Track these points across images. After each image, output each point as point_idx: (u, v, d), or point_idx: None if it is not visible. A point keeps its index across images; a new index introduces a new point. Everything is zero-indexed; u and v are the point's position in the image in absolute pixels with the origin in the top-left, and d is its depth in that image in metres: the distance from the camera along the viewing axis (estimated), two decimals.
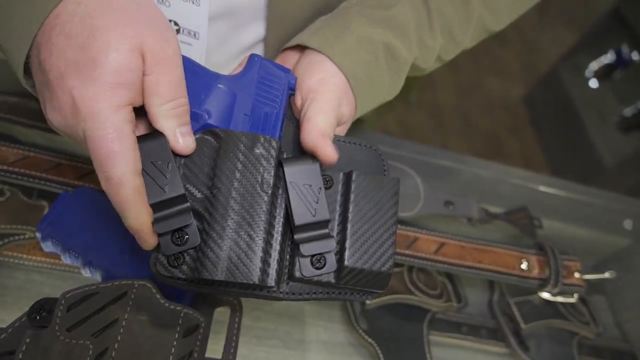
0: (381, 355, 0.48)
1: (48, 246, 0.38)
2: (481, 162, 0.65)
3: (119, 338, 0.32)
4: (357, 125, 0.65)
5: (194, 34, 0.39)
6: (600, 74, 1.99)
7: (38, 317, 0.33)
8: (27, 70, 0.32)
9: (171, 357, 0.33)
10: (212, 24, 0.41)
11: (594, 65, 2.00)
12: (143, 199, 0.30)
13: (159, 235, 0.30)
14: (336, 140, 0.36)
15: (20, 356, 0.32)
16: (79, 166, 0.45)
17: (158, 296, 0.35)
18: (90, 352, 0.31)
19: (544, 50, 2.64)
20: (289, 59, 0.41)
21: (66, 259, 0.38)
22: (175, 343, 0.34)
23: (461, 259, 0.49)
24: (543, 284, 0.51)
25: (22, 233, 0.45)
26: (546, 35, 2.67)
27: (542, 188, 0.65)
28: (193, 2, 0.37)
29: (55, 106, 0.29)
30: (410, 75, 0.47)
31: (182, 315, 0.35)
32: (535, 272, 0.51)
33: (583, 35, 2.02)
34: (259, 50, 0.47)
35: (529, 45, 2.74)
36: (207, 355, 0.38)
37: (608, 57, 1.94)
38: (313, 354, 0.49)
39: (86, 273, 0.38)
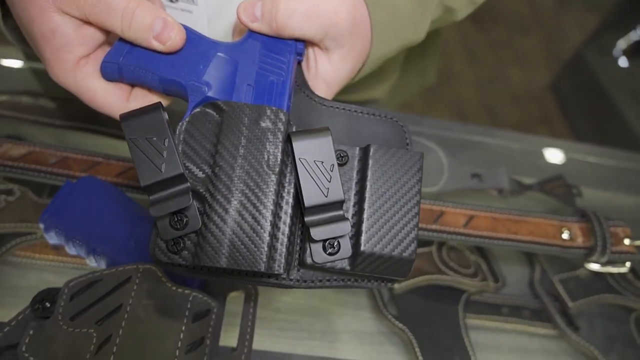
0: (414, 341, 0.44)
1: (52, 237, 0.36)
2: (510, 133, 0.60)
3: (123, 324, 0.30)
4: (372, 105, 0.62)
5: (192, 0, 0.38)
6: (630, 52, 1.90)
7: (41, 308, 0.32)
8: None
9: (180, 342, 0.30)
10: None
11: (622, 44, 1.92)
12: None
13: (156, 218, 0.27)
14: (352, 111, 0.33)
15: (23, 348, 0.30)
16: (85, 159, 0.44)
17: (164, 280, 0.33)
18: (94, 340, 0.29)
19: (565, 35, 2.56)
20: None
21: (70, 249, 0.36)
22: (184, 328, 0.31)
23: (494, 231, 0.45)
24: (589, 254, 0.46)
25: (33, 232, 0.44)
26: (567, 20, 2.59)
27: (579, 156, 0.60)
28: None
29: None
30: (442, 23, 0.44)
31: (190, 299, 0.32)
32: (580, 240, 0.46)
33: (607, 15, 1.94)
34: None
35: (549, 32, 2.65)
36: (221, 344, 0.35)
37: (638, 33, 1.85)
38: (341, 344, 0.45)
39: (91, 262, 0.36)
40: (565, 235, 0.46)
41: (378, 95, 0.59)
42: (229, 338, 0.40)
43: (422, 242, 0.49)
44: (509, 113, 2.27)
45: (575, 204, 0.53)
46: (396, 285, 0.48)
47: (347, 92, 0.58)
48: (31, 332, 0.31)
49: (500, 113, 2.25)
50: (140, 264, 0.33)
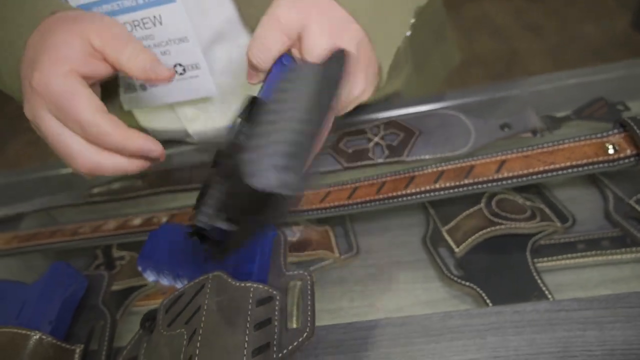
0: (484, 294, 0.45)
1: (148, 275, 0.46)
2: (537, 77, 0.59)
3: (203, 319, 0.37)
4: (395, 98, 0.66)
5: (195, 65, 0.47)
6: None
7: (147, 325, 0.40)
8: None
9: (248, 324, 0.36)
10: (210, 53, 0.48)
11: None
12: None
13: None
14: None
15: (141, 358, 0.38)
16: (165, 214, 0.54)
17: (230, 280, 0.40)
18: (185, 336, 0.37)
19: None
20: None
21: (163, 280, 0.45)
22: (249, 312, 0.37)
23: (529, 168, 0.45)
24: None
25: (144, 284, 0.54)
26: None
27: (618, 73, 0.56)
28: (183, 41, 0.45)
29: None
30: (414, 4, 0.47)
31: (252, 289, 0.39)
32: (628, 151, 0.44)
33: None
34: None
35: None
36: None
37: None
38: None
39: (178, 285, 0.45)
40: (611, 150, 0.44)
41: (396, 88, 0.63)
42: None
43: (465, 201, 0.50)
44: None
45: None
46: (456, 250, 0.49)
47: None
48: (145, 345, 0.39)
49: None
50: (209, 274, 0.40)
